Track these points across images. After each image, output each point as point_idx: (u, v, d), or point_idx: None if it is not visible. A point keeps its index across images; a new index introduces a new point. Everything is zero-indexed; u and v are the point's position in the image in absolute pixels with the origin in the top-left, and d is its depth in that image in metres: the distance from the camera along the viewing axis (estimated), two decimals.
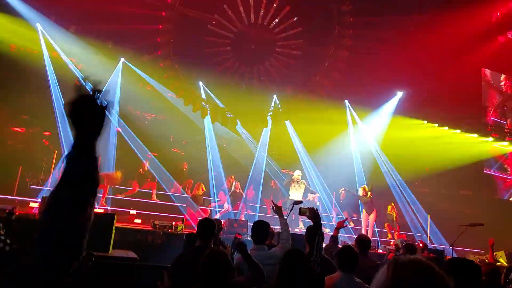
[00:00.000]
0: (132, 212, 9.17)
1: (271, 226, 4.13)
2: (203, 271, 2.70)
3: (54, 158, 10.01)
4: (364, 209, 10.75)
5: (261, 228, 3.78)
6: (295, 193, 10.59)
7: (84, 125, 1.13)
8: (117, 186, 10.23)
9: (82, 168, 1.10)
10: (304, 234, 4.20)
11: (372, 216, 10.52)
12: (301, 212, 3.99)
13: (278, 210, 4.20)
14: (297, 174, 10.85)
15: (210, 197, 11.15)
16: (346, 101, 13.95)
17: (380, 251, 9.08)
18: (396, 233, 11.07)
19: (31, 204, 7.60)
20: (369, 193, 10.55)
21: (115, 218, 6.29)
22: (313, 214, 3.57)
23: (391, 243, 9.94)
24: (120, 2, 10.51)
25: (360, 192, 10.73)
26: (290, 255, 2.95)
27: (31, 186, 9.87)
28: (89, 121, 1.13)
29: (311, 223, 3.70)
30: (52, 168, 9.90)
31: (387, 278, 1.22)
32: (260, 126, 11.31)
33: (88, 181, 1.10)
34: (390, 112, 13.75)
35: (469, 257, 9.56)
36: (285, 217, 4.25)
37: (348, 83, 13.26)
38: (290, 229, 4.76)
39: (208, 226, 3.68)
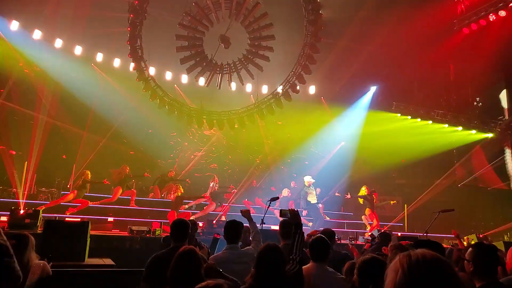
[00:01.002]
0: (110, 219, 9.00)
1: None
2: (174, 268, 2.69)
3: (24, 169, 9.72)
4: (367, 208, 11.20)
5: (233, 228, 3.80)
6: (312, 198, 10.82)
7: None
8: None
9: None
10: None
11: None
12: (282, 213, 4.02)
13: (245, 214, 4.27)
14: (307, 179, 10.82)
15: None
16: (322, 98, 14.15)
17: (359, 242, 9.27)
18: (375, 221, 11.30)
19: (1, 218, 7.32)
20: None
21: (89, 226, 6.15)
22: (293, 215, 3.64)
23: (367, 234, 10.21)
24: (88, 5, 10.29)
25: (364, 191, 11.12)
26: (266, 249, 2.97)
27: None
28: None
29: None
30: (23, 180, 9.59)
31: (402, 274, 1.20)
32: (237, 126, 11.32)
33: None
34: (364, 106, 14.04)
35: (443, 243, 9.90)
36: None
37: (322, 80, 13.46)
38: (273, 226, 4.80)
39: (182, 227, 3.67)
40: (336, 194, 11.97)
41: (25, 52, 10.62)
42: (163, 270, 3.27)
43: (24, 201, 8.90)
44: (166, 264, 3.15)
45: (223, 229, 7.42)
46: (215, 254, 3.69)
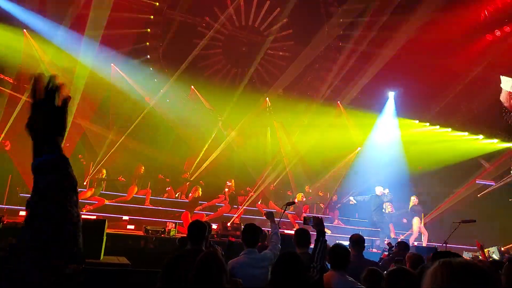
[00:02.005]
0: (125, 218, 9.08)
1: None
2: (197, 273, 2.65)
3: None
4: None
5: (252, 232, 3.76)
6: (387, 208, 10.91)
7: (49, 121, 1.05)
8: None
9: (52, 162, 1.03)
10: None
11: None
12: (306, 220, 3.98)
13: (269, 215, 4.22)
14: (379, 190, 10.77)
15: None
16: (338, 102, 13.99)
17: (374, 250, 9.09)
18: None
19: (21, 213, 7.47)
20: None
21: (106, 224, 6.20)
22: (316, 222, 3.59)
23: (385, 241, 9.99)
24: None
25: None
26: (284, 257, 2.92)
27: (21, 195, 9.73)
28: (53, 118, 1.05)
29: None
30: None
31: (439, 283, 1.17)
32: (251, 129, 11.32)
33: (61, 173, 1.02)
34: (383, 112, 13.83)
35: (463, 255, 9.60)
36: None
37: (339, 84, 13.31)
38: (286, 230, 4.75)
39: (200, 229, 3.64)
40: (351, 202, 11.74)
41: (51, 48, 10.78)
42: (180, 272, 3.26)
43: None
44: (184, 266, 3.13)
45: (237, 232, 7.48)
46: (234, 259, 3.65)
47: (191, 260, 2.87)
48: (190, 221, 8.81)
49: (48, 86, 1.05)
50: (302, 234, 3.99)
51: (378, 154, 13.73)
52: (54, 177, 1.00)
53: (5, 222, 6.18)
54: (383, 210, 10.61)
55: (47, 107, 1.05)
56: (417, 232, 11.14)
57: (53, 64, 10.89)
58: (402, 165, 13.45)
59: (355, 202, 11.73)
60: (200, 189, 10.04)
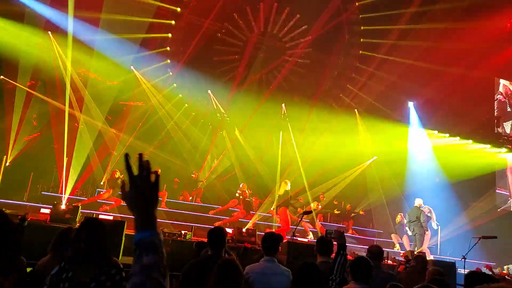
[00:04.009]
0: None
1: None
2: (217, 279, 2.68)
3: (64, 165, 10.12)
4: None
5: (272, 240, 3.75)
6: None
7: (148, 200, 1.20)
8: None
9: (152, 242, 1.19)
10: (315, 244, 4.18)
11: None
12: (327, 234, 3.98)
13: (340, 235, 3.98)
14: (418, 202, 10.61)
15: None
16: (356, 110, 13.88)
17: (390, 262, 8.92)
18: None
19: (42, 210, 7.65)
20: None
21: (125, 225, 6.29)
22: (338, 235, 3.59)
23: (401, 254, 9.80)
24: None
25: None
26: (305, 268, 2.91)
27: (42, 193, 9.96)
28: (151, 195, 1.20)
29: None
30: (64, 175, 9.99)
31: None
32: (266, 135, 11.33)
33: (160, 255, 1.19)
34: (403, 122, 13.66)
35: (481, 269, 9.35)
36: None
37: (358, 92, 13.22)
38: (301, 238, 4.71)
39: (219, 235, 3.66)
40: (361, 212, 11.54)
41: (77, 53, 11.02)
42: (199, 277, 3.29)
43: (65, 196, 9.27)
44: (204, 271, 3.16)
45: (252, 238, 7.48)
46: (251, 264, 3.65)
47: (212, 266, 2.91)
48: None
49: (141, 164, 1.20)
50: (324, 243, 3.97)
51: (394, 164, 13.53)
52: (156, 257, 1.17)
53: (29, 219, 6.33)
54: (422, 223, 10.36)
55: (144, 184, 1.20)
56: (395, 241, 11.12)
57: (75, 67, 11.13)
58: (420, 176, 13.23)
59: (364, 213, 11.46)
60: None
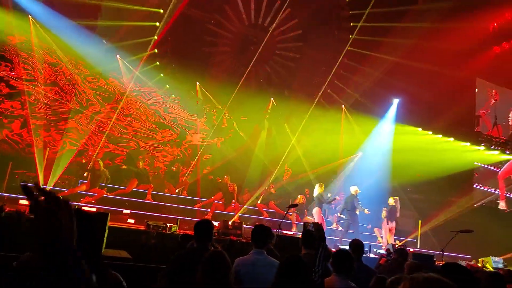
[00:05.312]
0: (126, 211, 9.07)
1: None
2: (205, 271, 2.67)
3: (45, 154, 9.88)
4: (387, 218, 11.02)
5: (262, 233, 3.76)
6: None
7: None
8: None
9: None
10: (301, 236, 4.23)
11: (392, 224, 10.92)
12: (305, 226, 4.02)
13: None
14: (355, 189, 10.68)
15: None
16: (343, 107, 14.02)
17: (372, 255, 9.12)
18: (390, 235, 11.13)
19: (21, 201, 7.46)
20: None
21: (109, 218, 6.19)
22: (317, 227, 3.63)
23: (383, 247, 10.03)
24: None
25: (392, 202, 11.01)
26: (289, 260, 2.94)
27: (21, 183, 9.68)
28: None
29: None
30: (44, 164, 9.75)
31: None
32: (256, 128, 11.32)
33: None
34: (390, 119, 13.85)
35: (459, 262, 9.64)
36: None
37: (345, 88, 13.33)
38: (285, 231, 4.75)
39: (207, 228, 3.65)
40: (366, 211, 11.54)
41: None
42: (186, 270, 3.28)
43: (46, 187, 9.05)
44: (191, 264, 3.15)
45: (238, 231, 7.50)
46: (241, 257, 3.66)
47: (198, 259, 2.90)
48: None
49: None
50: (308, 236, 4.02)
51: (374, 160, 13.76)
52: None
53: (6, 211, 6.15)
54: (357, 211, 10.57)
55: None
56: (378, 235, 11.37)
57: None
58: (402, 171, 13.49)
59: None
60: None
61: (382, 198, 12.31)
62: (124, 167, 10.56)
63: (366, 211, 10.51)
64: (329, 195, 10.78)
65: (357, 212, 10.40)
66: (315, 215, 9.91)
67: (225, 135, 12.98)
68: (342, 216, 10.68)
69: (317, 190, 10.10)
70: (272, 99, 13.10)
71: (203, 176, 12.29)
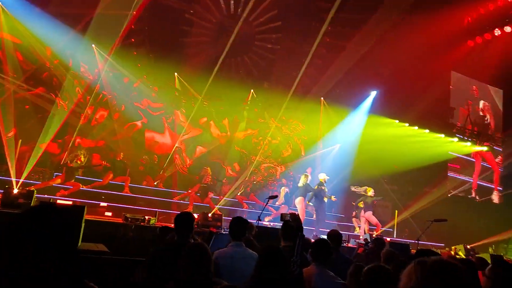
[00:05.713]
0: (103, 204, 8.89)
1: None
2: (187, 264, 2.64)
3: (17, 147, 9.51)
4: (364, 209, 11.27)
5: (239, 225, 3.76)
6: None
7: None
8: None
9: None
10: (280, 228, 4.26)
11: (369, 214, 11.15)
12: (282, 217, 4.03)
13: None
14: (323, 177, 10.64)
15: None
16: (322, 98, 14.12)
17: (350, 245, 9.33)
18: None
19: None
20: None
21: (85, 211, 6.05)
22: (294, 218, 3.66)
23: (361, 237, 10.27)
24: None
25: (370, 192, 11.25)
26: (267, 250, 2.95)
27: None
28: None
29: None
30: (16, 158, 9.38)
31: (416, 282, 1.20)
32: (235, 120, 11.27)
33: None
34: (365, 110, 14.06)
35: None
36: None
37: (323, 80, 13.41)
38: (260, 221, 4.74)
39: (188, 221, 3.61)
40: (333, 198, 11.61)
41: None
42: (168, 263, 3.23)
43: (16, 180, 8.72)
44: (172, 256, 3.11)
45: (218, 223, 7.49)
46: (219, 249, 3.65)
47: (179, 252, 2.86)
48: None
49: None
50: (287, 227, 4.04)
51: (355, 151, 14.00)
52: None
53: None
54: (324, 199, 10.75)
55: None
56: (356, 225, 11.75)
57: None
58: (379, 163, 13.78)
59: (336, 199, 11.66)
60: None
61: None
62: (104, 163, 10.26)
63: (333, 198, 10.68)
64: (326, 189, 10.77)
65: (325, 199, 10.53)
66: (298, 205, 9.98)
67: (202, 127, 12.85)
68: (310, 204, 10.78)
69: (301, 180, 10.12)
70: (252, 90, 13.05)
71: (181, 168, 12.16)
